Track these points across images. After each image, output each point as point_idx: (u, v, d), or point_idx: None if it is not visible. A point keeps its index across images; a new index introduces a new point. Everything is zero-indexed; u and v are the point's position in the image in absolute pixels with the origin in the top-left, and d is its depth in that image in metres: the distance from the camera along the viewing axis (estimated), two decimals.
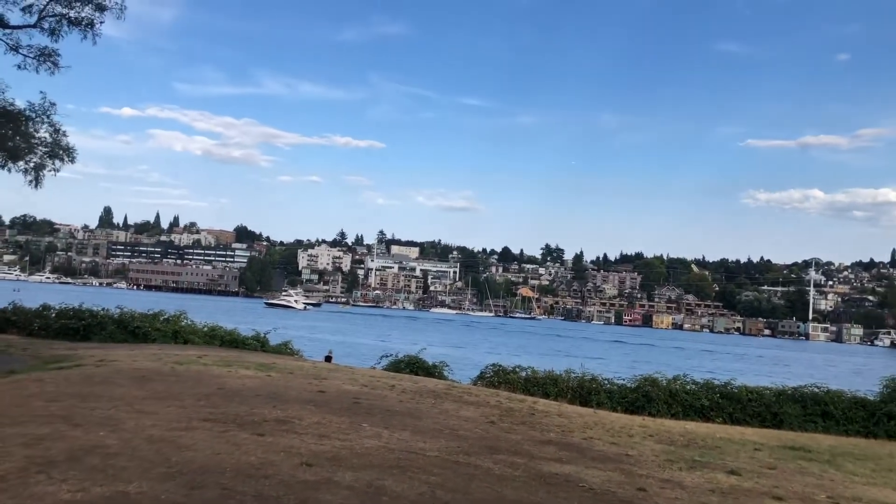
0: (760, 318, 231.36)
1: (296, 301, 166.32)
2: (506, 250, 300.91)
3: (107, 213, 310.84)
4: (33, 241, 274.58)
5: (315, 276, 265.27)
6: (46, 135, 20.39)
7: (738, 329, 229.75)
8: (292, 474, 6.57)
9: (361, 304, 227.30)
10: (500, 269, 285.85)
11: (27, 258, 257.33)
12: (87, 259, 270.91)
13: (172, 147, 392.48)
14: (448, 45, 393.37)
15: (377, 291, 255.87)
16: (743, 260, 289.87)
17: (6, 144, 18.73)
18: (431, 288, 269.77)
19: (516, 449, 9.81)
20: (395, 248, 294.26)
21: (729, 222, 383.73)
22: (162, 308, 29.32)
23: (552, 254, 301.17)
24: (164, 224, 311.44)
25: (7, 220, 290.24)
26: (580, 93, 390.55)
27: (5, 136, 18.55)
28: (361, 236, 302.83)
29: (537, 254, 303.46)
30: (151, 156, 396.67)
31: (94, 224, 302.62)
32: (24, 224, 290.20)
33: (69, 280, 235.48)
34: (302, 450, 7.78)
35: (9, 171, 20.04)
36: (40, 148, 20.33)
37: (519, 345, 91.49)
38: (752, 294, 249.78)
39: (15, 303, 28.92)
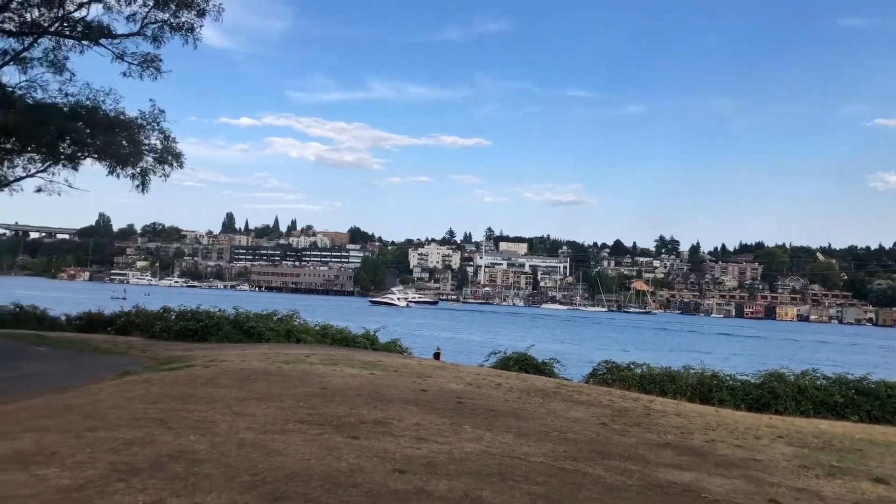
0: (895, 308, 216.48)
1: (398, 299, 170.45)
2: (618, 243, 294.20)
3: (229, 219, 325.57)
4: (163, 248, 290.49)
5: (426, 275, 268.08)
6: (157, 142, 21.13)
7: (870, 320, 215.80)
8: (383, 483, 6.13)
9: (472, 301, 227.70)
10: (612, 263, 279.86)
11: (157, 264, 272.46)
12: (211, 263, 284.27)
13: (288, 153, 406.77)
14: (551, 38, 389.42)
15: (487, 288, 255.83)
16: (873, 247, 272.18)
17: (118, 152, 19.45)
18: (541, 284, 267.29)
19: (630, 453, 9.06)
20: (503, 245, 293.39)
21: (856, 207, 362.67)
22: (278, 308, 29.90)
23: (667, 246, 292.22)
24: (283, 228, 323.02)
25: (139, 228, 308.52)
26: (691, 78, 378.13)
27: (118, 144, 19.25)
28: (470, 234, 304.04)
29: (651, 246, 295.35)
30: (269, 163, 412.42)
31: (217, 230, 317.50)
32: (155, 231, 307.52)
33: (196, 283, 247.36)
34: (396, 455, 7.35)
35: (117, 176, 20.85)
36: (150, 154, 21.05)
37: (633, 340, 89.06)
38: (885, 282, 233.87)
39: (138, 306, 30.22)
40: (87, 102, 19.80)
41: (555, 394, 14.87)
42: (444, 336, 78.17)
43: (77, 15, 19.25)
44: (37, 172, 21.07)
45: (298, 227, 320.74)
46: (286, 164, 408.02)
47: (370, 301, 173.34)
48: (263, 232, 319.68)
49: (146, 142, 20.99)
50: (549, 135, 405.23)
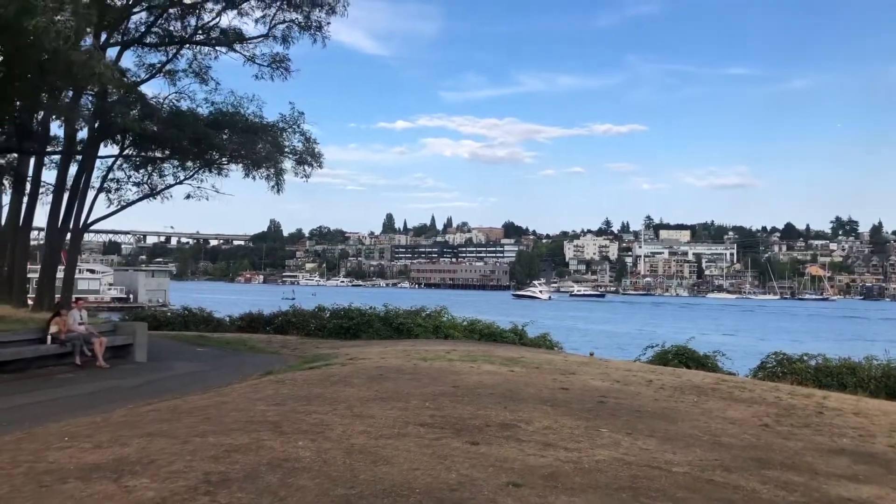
0: None
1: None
2: (789, 227, 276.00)
3: (389, 220, 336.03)
4: (329, 250, 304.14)
5: (582, 267, 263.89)
6: (299, 143, 21.53)
7: None
8: (491, 499, 5.43)
9: (631, 292, 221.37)
10: (784, 248, 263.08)
11: (324, 265, 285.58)
12: (374, 262, 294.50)
13: (443, 153, 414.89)
14: (706, 16, 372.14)
15: (647, 279, 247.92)
16: None
17: (253, 155, 19.95)
18: (706, 272, 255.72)
19: (794, 462, 7.82)
20: (664, 233, 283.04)
21: None
22: (427, 304, 29.87)
23: (844, 227, 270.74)
24: (439, 225, 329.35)
25: (307, 232, 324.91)
26: (862, 44, 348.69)
27: (253, 147, 19.76)
28: (627, 223, 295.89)
29: (826, 228, 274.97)
30: (425, 163, 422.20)
31: (378, 230, 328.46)
32: (321, 235, 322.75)
33: (360, 283, 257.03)
34: (515, 464, 6.62)
35: (253, 178, 21.43)
36: (290, 156, 21.49)
37: (808, 329, 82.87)
38: None
39: (294, 306, 31.20)
40: (230, 109, 20.55)
41: (712, 391, 13.54)
42: (598, 329, 76.14)
43: (211, 22, 20.01)
44: (185, 179, 22.13)
45: (454, 225, 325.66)
46: (441, 163, 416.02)
47: (513, 294, 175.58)
48: (421, 230, 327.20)
49: (286, 144, 21.47)
50: (709, 116, 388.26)
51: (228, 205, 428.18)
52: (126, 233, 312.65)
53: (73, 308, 16.62)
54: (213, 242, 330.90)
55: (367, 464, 6.22)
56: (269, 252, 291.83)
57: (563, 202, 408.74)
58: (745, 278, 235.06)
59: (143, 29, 20.05)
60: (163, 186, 22.34)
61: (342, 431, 7.56)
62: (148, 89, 20.68)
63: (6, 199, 22.46)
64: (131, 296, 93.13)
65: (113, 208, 22.60)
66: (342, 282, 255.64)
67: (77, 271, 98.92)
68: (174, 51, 20.80)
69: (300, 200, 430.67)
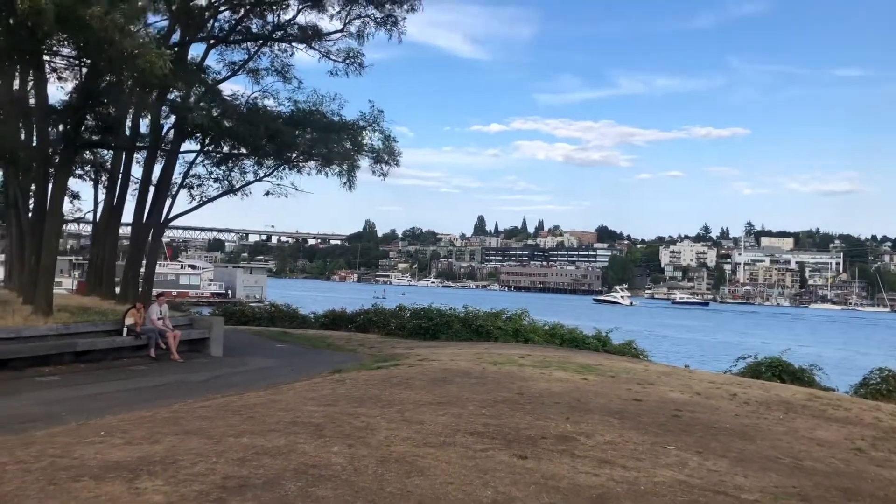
0: None
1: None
2: None
3: (480, 222, 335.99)
4: (421, 251, 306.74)
5: (678, 273, 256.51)
6: (378, 142, 21.44)
7: None
8: None
9: (729, 300, 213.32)
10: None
11: (416, 265, 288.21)
12: (464, 264, 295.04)
13: (536, 156, 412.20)
14: (814, 15, 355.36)
15: (746, 287, 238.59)
16: None
17: (325, 152, 19.96)
18: (810, 281, 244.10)
19: (888, 494, 6.96)
20: (765, 240, 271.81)
21: None
22: (519, 306, 29.36)
23: None
24: (531, 228, 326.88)
25: (400, 233, 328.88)
26: None
27: (325, 145, 19.77)
28: (727, 229, 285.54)
29: None
30: (518, 165, 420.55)
31: (469, 232, 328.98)
32: (413, 235, 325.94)
33: (450, 284, 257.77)
34: (563, 483, 6.07)
35: (326, 175, 21.42)
36: (367, 154, 21.41)
37: None
38: None
39: (376, 305, 31.23)
40: (310, 108, 20.64)
41: (802, 408, 12.52)
42: (687, 337, 73.45)
43: (290, 20, 20.18)
44: (264, 177, 22.37)
45: (546, 228, 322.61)
46: (534, 166, 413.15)
47: (594, 299, 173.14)
48: (512, 233, 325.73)
49: (366, 142, 21.43)
50: (815, 119, 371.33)
51: (326, 205, 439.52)
52: (229, 231, 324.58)
53: (154, 303, 16.93)
54: (311, 241, 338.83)
55: (399, 475, 5.82)
56: (363, 252, 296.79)
57: (660, 207, 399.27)
58: (852, 289, 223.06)
59: (226, 28, 20.40)
60: (242, 183, 22.72)
61: (384, 437, 7.19)
62: (231, 87, 21.04)
63: (101, 195, 23.32)
64: (230, 291, 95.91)
65: (194, 204, 23.16)
66: (432, 282, 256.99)
67: (179, 266, 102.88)
68: (255, 48, 21.09)
69: (394, 202, 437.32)
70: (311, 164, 21.04)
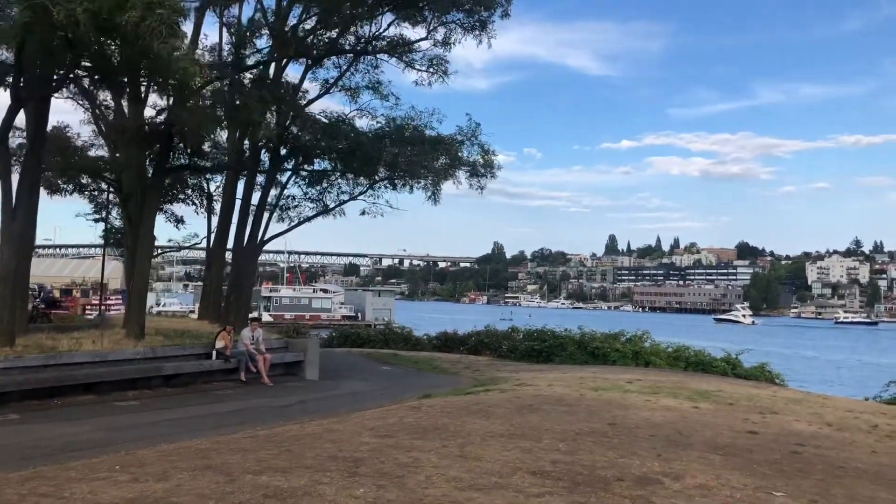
0: None
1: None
2: None
3: (612, 241, 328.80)
4: (550, 271, 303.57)
5: (827, 290, 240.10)
6: (477, 156, 20.73)
7: None
8: None
9: (886, 319, 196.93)
10: None
11: (545, 287, 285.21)
12: (595, 285, 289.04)
13: (670, 172, 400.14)
14: None
15: None
16: None
17: (409, 166, 19.41)
18: None
19: None
20: None
21: None
22: (644, 327, 27.83)
23: None
24: (665, 247, 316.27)
25: (529, 254, 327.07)
26: None
27: (414, 157, 19.27)
28: (881, 243, 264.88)
29: None
30: (650, 182, 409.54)
31: (600, 252, 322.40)
32: (542, 256, 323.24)
33: (581, 305, 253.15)
34: None
35: (410, 189, 20.78)
36: (462, 167, 20.72)
37: None
38: None
39: (488, 327, 30.38)
40: (404, 123, 20.22)
41: None
42: (833, 359, 67.77)
43: (375, 31, 19.89)
44: (358, 195, 22.08)
45: (681, 245, 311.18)
46: (668, 182, 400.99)
47: (715, 319, 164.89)
48: (646, 252, 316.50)
49: (464, 156, 20.78)
50: None
51: (455, 228, 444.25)
52: (364, 255, 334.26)
53: (248, 327, 16.78)
54: (442, 264, 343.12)
55: None
56: (492, 274, 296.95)
57: (805, 221, 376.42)
58: None
59: (320, 45, 20.32)
60: (336, 203, 22.55)
61: (425, 477, 6.27)
62: (330, 107, 20.88)
63: (215, 220, 23.80)
64: (359, 314, 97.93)
65: (289, 224, 23.19)
66: (562, 304, 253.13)
67: (311, 290, 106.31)
68: (346, 65, 20.95)
69: (523, 223, 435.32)
70: (404, 180, 20.57)
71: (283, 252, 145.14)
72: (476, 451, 7.57)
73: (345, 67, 20.98)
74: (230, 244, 22.25)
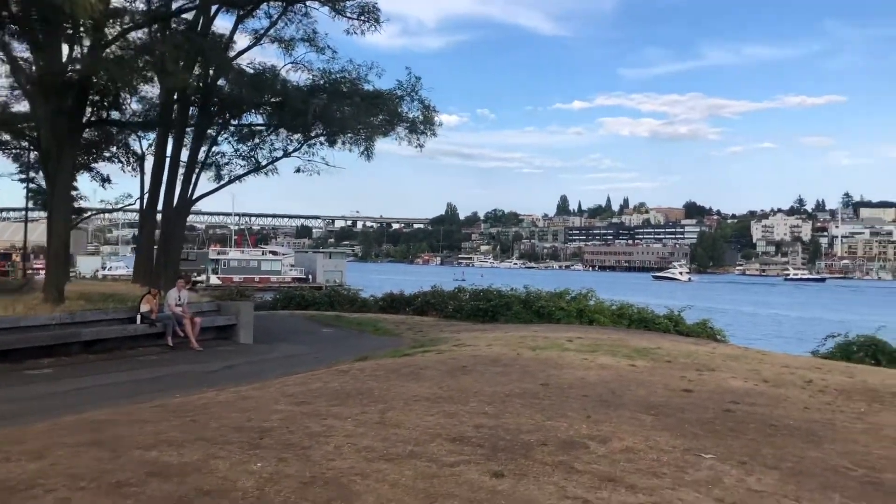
0: None
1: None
2: None
3: (563, 202, 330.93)
4: (503, 232, 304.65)
5: (771, 248, 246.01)
6: (417, 112, 20.11)
7: None
8: None
9: (833, 275, 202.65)
10: None
11: (498, 247, 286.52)
12: (547, 245, 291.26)
13: (620, 132, 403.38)
14: None
15: (845, 261, 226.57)
16: None
17: (343, 120, 18.67)
18: None
19: None
20: (864, 212, 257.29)
21: None
22: (584, 285, 27.75)
23: None
24: (615, 206, 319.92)
25: (482, 215, 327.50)
26: None
27: (347, 110, 18.53)
28: (823, 201, 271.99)
29: None
30: (601, 143, 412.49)
31: (552, 212, 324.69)
32: (496, 217, 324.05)
33: (533, 265, 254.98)
34: None
35: (343, 145, 20.11)
36: (401, 124, 20.08)
37: None
38: None
39: (434, 287, 30.03)
40: (338, 77, 19.45)
41: (893, 397, 10.54)
42: (778, 314, 69.37)
43: None
44: (292, 152, 21.32)
45: (631, 205, 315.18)
46: (618, 142, 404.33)
47: (652, 276, 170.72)
48: (596, 212, 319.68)
49: (404, 112, 20.12)
50: None
51: (409, 190, 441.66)
52: (316, 217, 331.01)
53: (175, 288, 16.10)
54: (396, 226, 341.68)
55: None
56: (445, 235, 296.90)
57: (751, 180, 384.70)
58: None
59: None
60: (269, 160, 21.73)
61: (333, 448, 5.84)
62: (266, 61, 19.75)
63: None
64: (310, 276, 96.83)
65: (219, 183, 22.28)
66: (515, 264, 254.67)
67: (261, 253, 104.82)
68: (277, 14, 19.94)
69: (476, 185, 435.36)
70: (337, 136, 19.81)
71: (231, 214, 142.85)
72: (397, 416, 7.18)
73: (276, 17, 20.01)
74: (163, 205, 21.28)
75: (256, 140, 21.23)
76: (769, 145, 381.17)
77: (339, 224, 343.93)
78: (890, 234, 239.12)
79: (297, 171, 21.57)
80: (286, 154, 21.36)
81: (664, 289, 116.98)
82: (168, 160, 20.80)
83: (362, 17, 18.96)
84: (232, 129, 21.01)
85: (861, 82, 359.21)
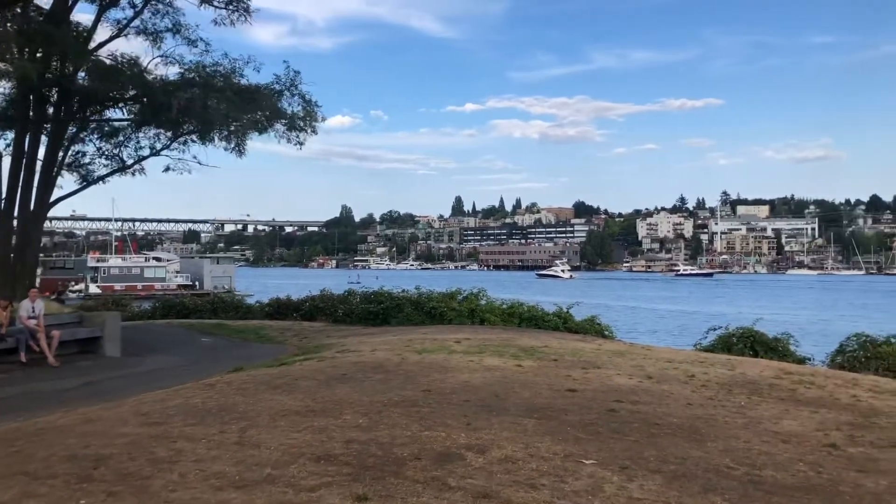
0: None
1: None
2: (875, 199, 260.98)
3: (458, 202, 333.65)
4: (399, 234, 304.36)
5: (656, 245, 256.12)
6: (298, 108, 19.32)
7: None
8: None
9: (711, 270, 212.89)
10: (869, 221, 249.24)
11: (394, 249, 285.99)
12: (443, 245, 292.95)
13: (512, 134, 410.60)
14: None
15: (724, 256, 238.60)
16: None
17: (209, 114, 17.72)
18: (786, 248, 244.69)
19: None
20: (741, 209, 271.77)
21: None
22: (475, 285, 27.46)
23: None
24: (508, 207, 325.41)
25: (378, 217, 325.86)
26: None
27: (212, 105, 17.57)
28: (703, 200, 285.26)
29: None
30: (494, 145, 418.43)
31: (448, 213, 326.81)
32: (391, 219, 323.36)
33: (429, 265, 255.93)
34: None
35: (212, 141, 19.15)
36: (280, 120, 19.29)
37: None
38: None
39: (324, 290, 29.16)
40: (212, 71, 18.42)
41: (770, 388, 10.69)
42: (663, 308, 72.01)
43: None
44: (161, 150, 20.11)
45: (523, 206, 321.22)
46: (510, 144, 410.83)
47: (536, 274, 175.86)
48: (490, 212, 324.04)
49: (282, 108, 19.26)
50: (790, 87, 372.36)
51: (302, 192, 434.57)
52: (205, 221, 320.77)
53: (27, 299, 14.72)
54: (289, 229, 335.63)
55: None
56: (341, 237, 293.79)
57: (636, 180, 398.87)
58: (828, 254, 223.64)
59: None
60: (135, 159, 20.40)
61: (178, 476, 5.18)
62: (134, 54, 18.43)
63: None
64: (197, 283, 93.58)
65: (80, 185, 20.69)
66: (411, 265, 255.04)
67: (143, 259, 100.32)
68: (141, 3, 18.68)
69: (372, 186, 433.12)
70: (205, 132, 18.74)
71: (111, 220, 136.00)
72: (258, 435, 6.54)
73: (140, 6, 18.74)
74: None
75: (121, 137, 19.84)
76: (653, 146, 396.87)
77: (229, 228, 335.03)
78: (764, 230, 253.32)
79: (167, 170, 20.31)
80: (154, 152, 20.06)
81: (546, 286, 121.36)
82: (24, 160, 19.12)
83: (230, 7, 18.01)
84: (93, 125, 19.49)
85: (736, 86, 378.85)
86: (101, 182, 20.48)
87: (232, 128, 17.96)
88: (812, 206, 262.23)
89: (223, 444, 6.18)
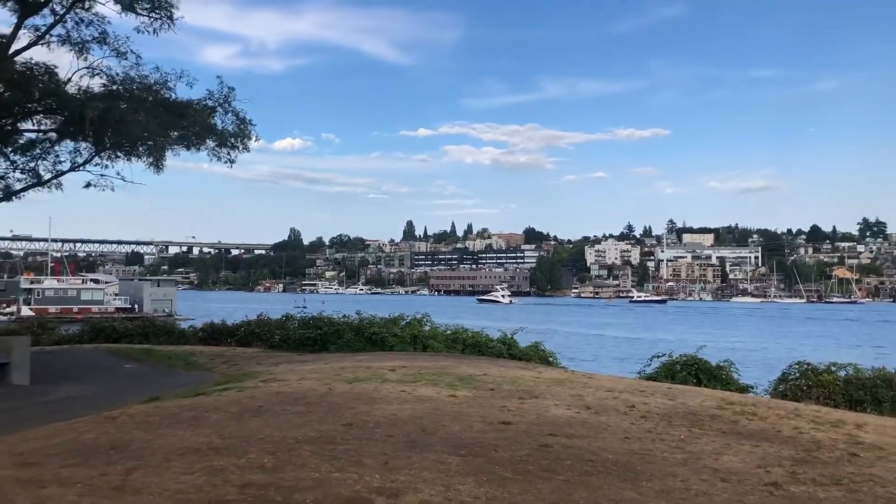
0: None
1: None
2: (815, 229, 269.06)
3: (409, 227, 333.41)
4: (349, 258, 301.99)
5: (604, 272, 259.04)
6: (230, 125, 18.57)
7: None
8: None
9: (654, 297, 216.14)
10: (810, 251, 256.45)
11: (343, 273, 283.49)
12: (394, 270, 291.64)
13: (464, 160, 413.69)
14: (730, 18, 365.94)
15: (670, 283, 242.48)
16: None
17: (128, 129, 16.89)
18: (730, 276, 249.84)
19: None
20: (687, 237, 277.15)
21: None
22: (420, 310, 26.74)
23: (871, 228, 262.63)
24: (459, 232, 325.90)
25: (327, 240, 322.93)
26: (890, 45, 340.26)
27: (139, 118, 16.76)
28: (650, 227, 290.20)
29: (853, 230, 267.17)
30: (446, 170, 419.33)
31: (399, 238, 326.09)
32: (341, 243, 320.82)
33: (379, 290, 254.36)
34: None
35: (134, 156, 18.30)
36: (210, 136, 18.53)
37: (838, 336, 78.42)
38: None
39: (261, 315, 28.20)
40: (141, 84, 17.60)
41: (710, 420, 10.27)
42: (611, 335, 72.28)
43: None
44: (81, 164, 19.12)
45: (474, 231, 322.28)
46: (462, 169, 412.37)
47: (477, 299, 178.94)
48: (441, 237, 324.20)
49: (215, 124, 18.49)
50: (733, 119, 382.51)
51: (249, 214, 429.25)
52: (148, 243, 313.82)
53: None
54: (235, 252, 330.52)
55: None
56: (289, 261, 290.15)
57: (586, 207, 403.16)
58: (771, 282, 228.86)
59: None
60: (53, 174, 19.34)
61: None
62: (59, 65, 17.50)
63: None
64: (136, 306, 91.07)
65: None
66: (360, 289, 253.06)
67: (80, 281, 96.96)
68: (63, 10, 17.76)
69: (321, 210, 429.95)
70: (122, 147, 17.82)
71: (48, 240, 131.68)
72: (145, 478, 5.80)
73: (62, 12, 17.81)
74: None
75: (38, 150, 18.76)
76: (601, 175, 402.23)
77: (173, 250, 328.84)
78: (709, 257, 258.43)
79: (87, 186, 19.29)
80: (74, 167, 19.06)
81: (487, 310, 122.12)
82: None
83: (154, 14, 17.20)
84: (7, 138, 18.40)
85: (682, 117, 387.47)
86: (15, 197, 19.33)
87: (151, 143, 17.08)
88: (755, 235, 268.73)
89: (99, 489, 5.43)
